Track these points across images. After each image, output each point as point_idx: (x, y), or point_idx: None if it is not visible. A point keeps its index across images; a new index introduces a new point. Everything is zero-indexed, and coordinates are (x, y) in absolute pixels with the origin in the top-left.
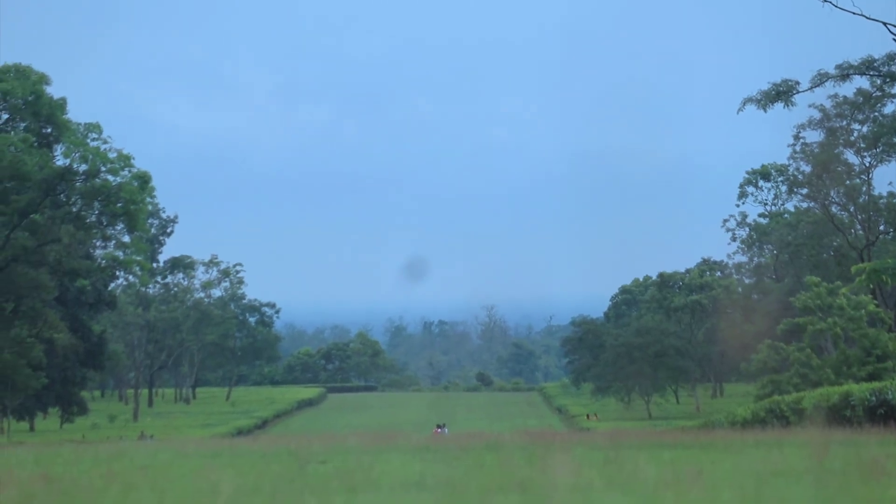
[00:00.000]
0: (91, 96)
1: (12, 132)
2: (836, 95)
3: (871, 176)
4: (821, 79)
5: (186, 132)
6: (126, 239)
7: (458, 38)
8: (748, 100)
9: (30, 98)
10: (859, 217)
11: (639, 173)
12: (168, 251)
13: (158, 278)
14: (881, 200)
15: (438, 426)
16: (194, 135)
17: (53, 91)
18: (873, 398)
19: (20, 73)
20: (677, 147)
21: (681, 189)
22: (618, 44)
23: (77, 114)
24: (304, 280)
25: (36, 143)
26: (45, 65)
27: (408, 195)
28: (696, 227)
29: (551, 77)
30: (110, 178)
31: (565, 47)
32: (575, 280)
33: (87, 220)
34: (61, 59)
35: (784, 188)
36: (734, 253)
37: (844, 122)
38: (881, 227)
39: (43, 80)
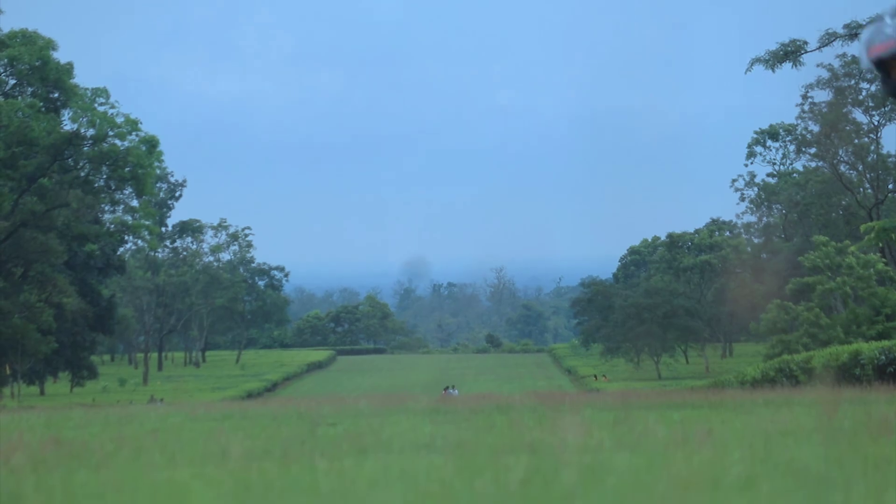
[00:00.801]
0: (100, 62)
1: (20, 97)
2: (844, 55)
3: (879, 135)
4: (829, 38)
5: (197, 97)
6: (134, 203)
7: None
8: (756, 60)
9: (37, 63)
10: (868, 176)
11: (647, 133)
12: (177, 215)
13: (167, 242)
14: (890, 159)
15: (447, 388)
16: (205, 100)
17: (60, 56)
18: (882, 357)
19: (27, 38)
20: (685, 107)
21: (689, 149)
22: (625, 3)
23: (86, 79)
24: (314, 243)
25: (43, 109)
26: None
27: (419, 159)
28: (704, 187)
29: (558, 37)
30: (118, 142)
31: (572, 5)
32: (583, 241)
33: (96, 185)
34: (70, 23)
35: (792, 148)
36: (743, 213)
37: (853, 82)
38: (890, 186)
39: (50, 45)
